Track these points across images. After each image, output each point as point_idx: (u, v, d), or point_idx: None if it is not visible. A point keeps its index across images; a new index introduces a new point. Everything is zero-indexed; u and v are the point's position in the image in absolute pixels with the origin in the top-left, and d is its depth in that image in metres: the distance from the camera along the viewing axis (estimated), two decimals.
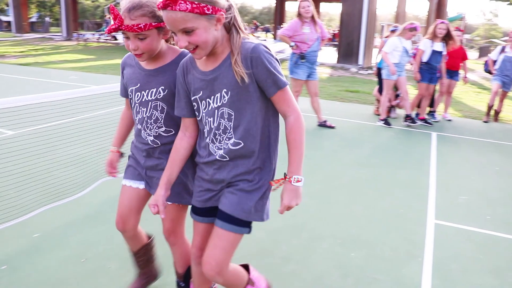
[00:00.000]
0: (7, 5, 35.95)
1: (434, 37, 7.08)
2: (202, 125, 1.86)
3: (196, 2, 1.56)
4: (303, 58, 6.54)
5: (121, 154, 2.34)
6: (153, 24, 1.84)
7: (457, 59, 7.79)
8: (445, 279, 2.87)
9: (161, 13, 1.65)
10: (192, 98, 1.85)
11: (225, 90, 1.73)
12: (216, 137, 1.82)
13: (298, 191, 1.77)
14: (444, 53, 7.20)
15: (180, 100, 1.90)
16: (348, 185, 4.52)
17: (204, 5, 1.58)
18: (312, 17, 6.53)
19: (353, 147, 5.96)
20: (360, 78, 14.37)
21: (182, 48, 1.66)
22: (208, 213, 1.96)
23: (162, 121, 2.02)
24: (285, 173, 1.79)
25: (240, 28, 1.73)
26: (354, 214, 3.80)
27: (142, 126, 2.07)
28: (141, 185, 2.19)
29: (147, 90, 2.00)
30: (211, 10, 1.59)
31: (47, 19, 42.61)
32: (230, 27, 1.72)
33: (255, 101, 1.75)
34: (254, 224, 3.27)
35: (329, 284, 2.75)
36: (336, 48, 21.85)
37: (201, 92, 1.79)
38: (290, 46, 6.58)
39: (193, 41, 1.62)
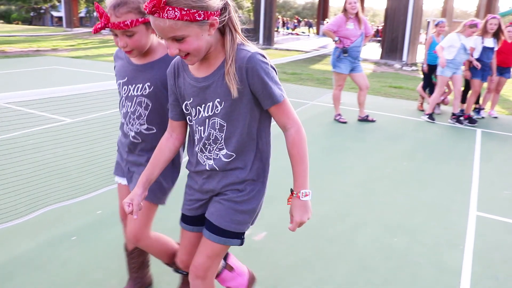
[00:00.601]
0: (59, 1, 37.35)
1: (484, 33, 6.96)
2: (193, 132, 1.77)
3: (185, 9, 1.42)
4: (345, 52, 6.63)
5: None
6: (140, 20, 1.79)
7: (508, 55, 7.57)
8: (486, 267, 2.96)
9: None
10: (183, 104, 1.74)
11: (218, 100, 1.62)
12: (206, 146, 1.72)
13: (307, 205, 1.69)
14: (496, 49, 7.09)
15: (169, 102, 1.81)
16: (391, 176, 4.62)
17: (195, 11, 1.44)
18: (357, 13, 6.63)
19: (396, 141, 6.02)
20: (404, 74, 14.24)
21: (173, 55, 1.55)
22: (198, 222, 1.88)
23: (145, 118, 1.98)
24: (291, 189, 1.70)
25: (236, 30, 1.59)
26: (396, 203, 3.92)
27: (125, 121, 2.04)
28: None
29: (134, 85, 1.96)
30: (202, 16, 1.46)
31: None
32: (224, 29, 1.58)
33: (250, 112, 1.64)
34: None
35: (372, 266, 2.91)
36: (379, 44, 21.63)
37: (192, 98, 1.68)
38: (334, 41, 6.69)
39: (184, 49, 1.51)
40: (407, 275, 2.81)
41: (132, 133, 2.02)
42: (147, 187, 1.82)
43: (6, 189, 3.63)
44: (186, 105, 1.72)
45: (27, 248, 2.91)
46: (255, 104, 1.64)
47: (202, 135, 1.70)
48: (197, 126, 1.71)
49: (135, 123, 2.00)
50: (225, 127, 1.65)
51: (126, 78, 1.99)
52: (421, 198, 4.08)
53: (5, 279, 2.58)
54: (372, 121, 7.05)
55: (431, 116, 7.29)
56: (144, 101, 1.96)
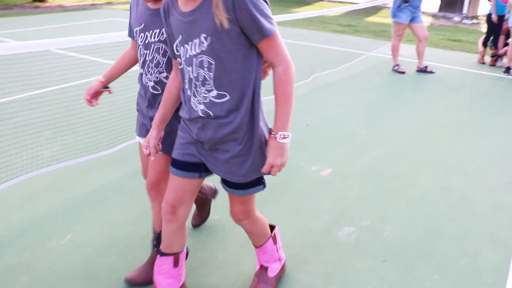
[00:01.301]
0: None
1: None
2: (183, 75, 1.68)
3: None
4: (406, 2, 6.54)
5: (105, 86, 2.20)
6: None
7: None
8: None
9: None
10: (174, 44, 1.66)
11: (204, 35, 1.51)
12: (197, 89, 1.62)
13: (283, 148, 1.59)
14: None
15: (168, 41, 1.75)
16: (450, 124, 4.68)
17: None
18: None
19: (455, 92, 5.98)
20: (464, 27, 13.68)
21: None
22: (191, 168, 1.78)
23: (164, 65, 1.92)
24: (270, 128, 1.64)
25: None
26: (455, 149, 4.01)
27: (143, 70, 1.98)
28: None
29: (151, 31, 1.90)
30: None
31: None
32: None
33: (239, 48, 1.53)
34: (362, 150, 3.65)
35: (433, 201, 3.07)
36: None
37: (180, 36, 1.60)
38: None
39: None
40: (466, 212, 2.95)
41: (152, 83, 1.95)
42: (162, 129, 1.83)
43: (87, 125, 3.99)
44: (176, 45, 1.64)
45: (114, 178, 3.25)
46: (245, 40, 1.53)
47: (191, 76, 1.62)
48: (186, 67, 1.62)
49: (154, 72, 1.93)
50: (213, 66, 1.55)
51: (143, 24, 1.92)
52: (480, 145, 4.14)
53: (99, 203, 2.93)
54: (431, 72, 6.98)
55: (508, 70, 7.13)
56: (161, 47, 1.89)
